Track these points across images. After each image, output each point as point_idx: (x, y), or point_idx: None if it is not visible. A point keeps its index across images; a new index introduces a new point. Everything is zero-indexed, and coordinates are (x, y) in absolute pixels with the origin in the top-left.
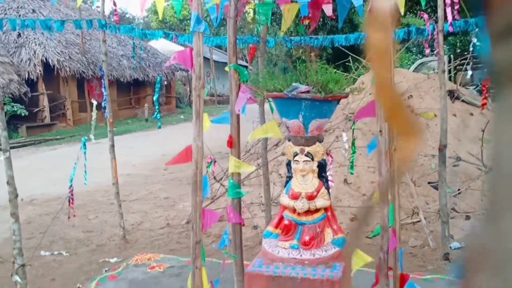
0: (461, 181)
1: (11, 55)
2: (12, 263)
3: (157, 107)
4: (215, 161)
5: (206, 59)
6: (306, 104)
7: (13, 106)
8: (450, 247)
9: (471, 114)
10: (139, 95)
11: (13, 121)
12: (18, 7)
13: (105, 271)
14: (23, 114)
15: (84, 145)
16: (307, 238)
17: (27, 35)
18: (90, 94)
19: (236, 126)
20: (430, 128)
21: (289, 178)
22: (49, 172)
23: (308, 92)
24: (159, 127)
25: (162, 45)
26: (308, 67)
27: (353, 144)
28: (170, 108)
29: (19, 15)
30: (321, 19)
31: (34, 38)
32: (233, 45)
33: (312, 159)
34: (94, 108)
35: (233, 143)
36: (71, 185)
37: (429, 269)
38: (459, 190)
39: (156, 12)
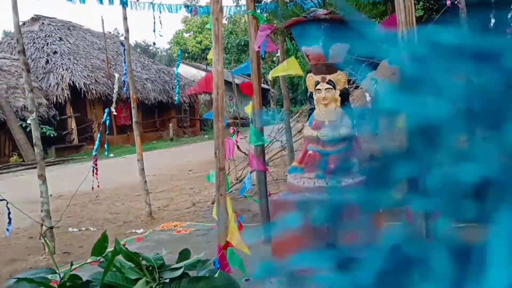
0: None
1: (39, 80)
2: (40, 225)
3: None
4: (238, 131)
5: (228, 83)
6: (326, 27)
7: (42, 128)
8: None
9: None
10: (164, 117)
11: (42, 143)
12: (46, 35)
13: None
14: (51, 135)
15: (108, 114)
16: (332, 166)
17: (54, 61)
18: (116, 117)
19: (256, 73)
20: None
21: (312, 110)
22: (76, 178)
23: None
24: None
25: (185, 70)
26: None
27: None
28: (194, 131)
29: (47, 43)
30: None
31: (62, 64)
32: None
33: (334, 87)
34: (116, 80)
35: (253, 89)
36: (95, 155)
37: None
38: None
39: (178, 43)
